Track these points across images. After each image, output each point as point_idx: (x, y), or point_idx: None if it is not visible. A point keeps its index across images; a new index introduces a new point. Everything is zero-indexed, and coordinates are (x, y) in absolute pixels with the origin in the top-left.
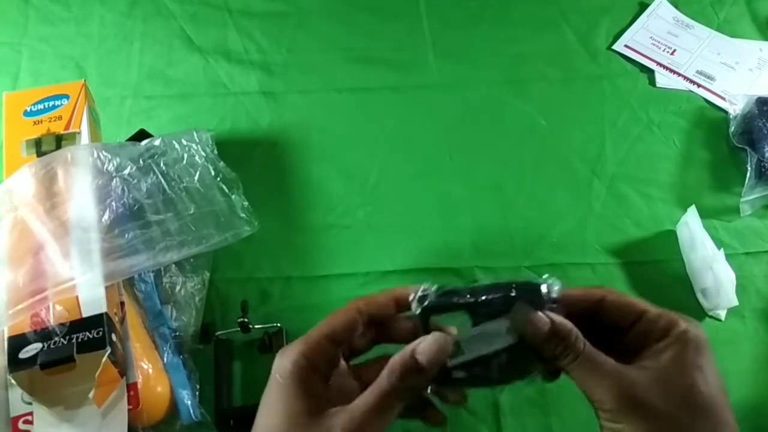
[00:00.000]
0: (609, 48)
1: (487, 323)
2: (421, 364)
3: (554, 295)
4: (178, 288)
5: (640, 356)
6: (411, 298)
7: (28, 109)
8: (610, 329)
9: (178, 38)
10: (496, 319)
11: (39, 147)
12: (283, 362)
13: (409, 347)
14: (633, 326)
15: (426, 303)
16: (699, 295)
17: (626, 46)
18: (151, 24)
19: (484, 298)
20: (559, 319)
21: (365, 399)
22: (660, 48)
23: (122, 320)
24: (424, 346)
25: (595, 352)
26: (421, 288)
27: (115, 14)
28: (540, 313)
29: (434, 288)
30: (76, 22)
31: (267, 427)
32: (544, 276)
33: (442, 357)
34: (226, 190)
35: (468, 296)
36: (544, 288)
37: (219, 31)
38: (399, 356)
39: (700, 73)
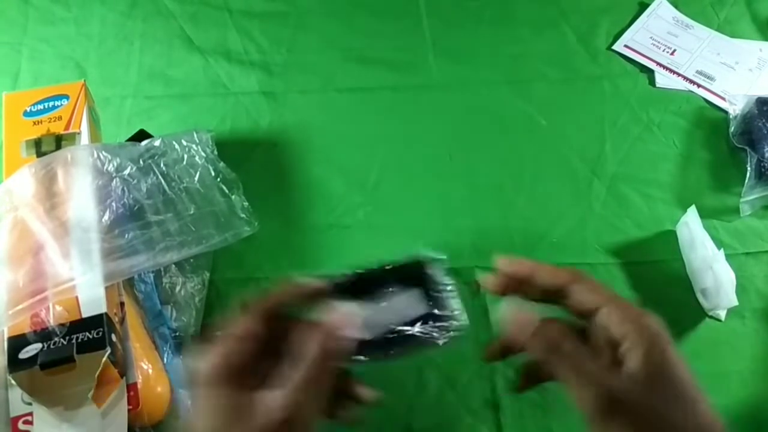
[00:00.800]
0: (609, 48)
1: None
2: (336, 337)
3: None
4: (178, 288)
5: (612, 356)
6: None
7: (28, 110)
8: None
9: (178, 38)
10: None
11: (39, 147)
12: (202, 366)
13: (325, 321)
14: (596, 312)
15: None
16: (699, 295)
17: (626, 46)
18: (151, 24)
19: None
20: (546, 318)
21: (299, 372)
22: (660, 48)
23: (122, 320)
24: (336, 315)
25: (578, 354)
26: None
27: (115, 14)
28: (526, 312)
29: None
30: (76, 22)
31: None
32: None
33: (354, 328)
34: (226, 191)
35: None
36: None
37: (219, 31)
38: (315, 331)
39: (700, 73)
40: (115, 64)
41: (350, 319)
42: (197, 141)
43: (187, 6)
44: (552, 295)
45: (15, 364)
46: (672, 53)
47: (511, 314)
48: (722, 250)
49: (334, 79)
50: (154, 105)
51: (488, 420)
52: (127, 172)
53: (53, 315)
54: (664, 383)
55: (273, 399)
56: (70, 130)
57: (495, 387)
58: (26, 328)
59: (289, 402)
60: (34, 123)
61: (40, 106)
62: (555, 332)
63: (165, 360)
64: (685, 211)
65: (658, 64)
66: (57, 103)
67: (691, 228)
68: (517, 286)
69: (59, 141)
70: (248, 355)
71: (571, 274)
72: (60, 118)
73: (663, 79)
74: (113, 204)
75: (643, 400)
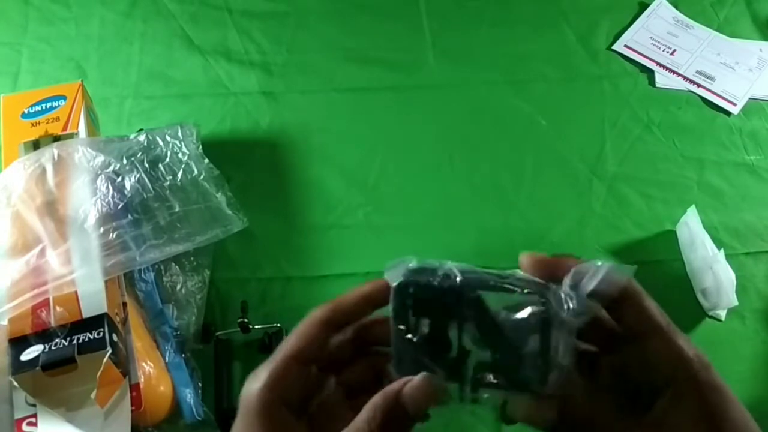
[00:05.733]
0: (609, 48)
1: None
2: (407, 410)
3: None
4: (179, 287)
5: (655, 407)
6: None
7: (26, 111)
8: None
9: (178, 38)
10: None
11: (37, 149)
12: (247, 392)
13: (393, 387)
14: (640, 338)
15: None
16: (699, 296)
17: (626, 46)
18: (151, 24)
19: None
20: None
21: None
22: (660, 48)
23: (124, 321)
24: (412, 390)
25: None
26: (396, 278)
27: (115, 14)
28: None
29: (411, 266)
30: (76, 22)
31: None
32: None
33: (431, 403)
34: (212, 187)
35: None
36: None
37: (219, 31)
38: (381, 397)
39: (699, 73)
40: (115, 64)
41: (430, 393)
42: (181, 137)
43: (187, 6)
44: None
45: (17, 365)
46: (672, 53)
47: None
48: (722, 250)
49: (334, 79)
50: (154, 105)
51: (488, 420)
52: (111, 168)
53: (54, 316)
54: None
55: None
56: (68, 131)
57: None
58: (27, 330)
59: None
60: (32, 124)
61: (38, 108)
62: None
63: (167, 359)
64: (685, 211)
65: (658, 64)
66: (55, 104)
67: (691, 228)
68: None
69: (57, 142)
70: (308, 381)
71: (627, 283)
72: (58, 119)
73: (663, 79)
74: (98, 201)
75: None
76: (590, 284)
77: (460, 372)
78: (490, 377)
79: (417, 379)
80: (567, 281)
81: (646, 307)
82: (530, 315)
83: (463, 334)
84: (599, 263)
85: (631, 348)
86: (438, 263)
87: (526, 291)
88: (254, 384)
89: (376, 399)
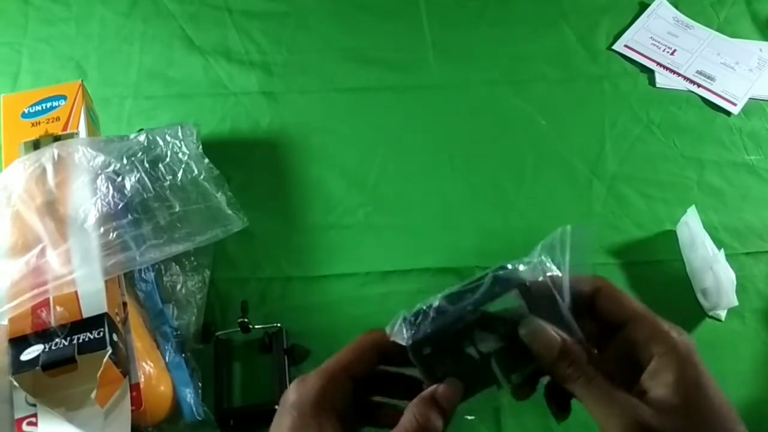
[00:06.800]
0: (609, 48)
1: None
2: (442, 407)
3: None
4: (179, 287)
5: (640, 378)
6: (391, 335)
7: (26, 111)
8: (603, 322)
9: (178, 38)
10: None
11: (37, 149)
12: (299, 395)
13: (427, 391)
14: (623, 326)
15: (414, 338)
16: (699, 296)
17: (626, 46)
18: (151, 24)
19: (464, 304)
20: (569, 339)
21: None
22: (660, 48)
23: (125, 321)
24: (443, 390)
25: (605, 381)
26: (396, 325)
27: (115, 14)
28: (550, 330)
29: (405, 317)
30: (76, 22)
31: None
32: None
33: (458, 399)
34: (212, 186)
35: (449, 308)
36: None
37: (219, 31)
38: (419, 399)
39: (700, 73)
40: (115, 64)
41: (454, 389)
42: (181, 136)
43: (187, 6)
44: (575, 305)
45: (17, 365)
46: (672, 53)
47: (533, 333)
48: (722, 250)
49: (334, 79)
50: (154, 105)
51: (488, 420)
52: (112, 168)
53: (54, 316)
54: (698, 413)
55: None
56: (68, 131)
57: None
58: (27, 330)
59: None
60: (33, 124)
61: (38, 107)
62: (580, 356)
63: (167, 359)
64: (685, 211)
65: (658, 64)
66: (55, 103)
67: (691, 228)
68: None
69: (57, 142)
70: (349, 394)
71: (595, 281)
72: (58, 118)
73: (663, 79)
74: (98, 201)
75: (678, 429)
76: (566, 253)
77: (491, 372)
78: (513, 362)
79: (444, 382)
80: (545, 260)
81: (619, 297)
82: (515, 299)
83: (476, 344)
84: (559, 229)
85: (619, 334)
86: (427, 303)
87: (498, 288)
88: (304, 387)
89: (416, 401)
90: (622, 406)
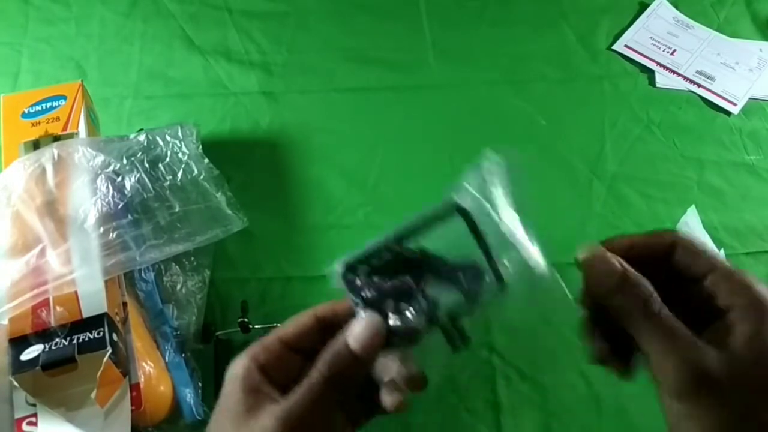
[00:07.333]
0: (609, 48)
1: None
2: (354, 352)
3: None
4: (179, 287)
5: (711, 327)
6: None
7: (26, 111)
8: (678, 280)
9: (178, 38)
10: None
11: (37, 149)
12: (232, 368)
13: (338, 337)
14: (700, 280)
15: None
16: None
17: (626, 46)
18: (151, 24)
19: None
20: (631, 268)
21: (298, 392)
22: (660, 48)
23: (125, 321)
24: (357, 331)
25: (671, 317)
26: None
27: (115, 14)
28: (609, 255)
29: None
30: (76, 22)
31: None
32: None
33: (376, 342)
34: (212, 186)
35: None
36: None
37: (219, 31)
38: (330, 344)
39: (700, 73)
40: (115, 64)
41: (373, 332)
42: (181, 136)
43: (187, 6)
44: (654, 260)
45: (17, 365)
46: (672, 53)
47: (591, 260)
48: (722, 250)
49: (334, 79)
50: (154, 105)
51: (488, 420)
52: (112, 168)
53: (54, 316)
54: (765, 377)
55: (274, 414)
56: (68, 131)
57: (495, 387)
58: (27, 330)
59: (289, 421)
60: (33, 124)
61: (38, 107)
62: (644, 288)
63: (167, 359)
64: (685, 211)
65: (658, 64)
66: (55, 103)
67: (691, 228)
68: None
69: (57, 142)
70: (291, 365)
71: (673, 235)
72: (58, 118)
73: (663, 79)
74: (98, 201)
75: (741, 383)
76: (495, 180)
77: (436, 315)
78: (459, 305)
79: (359, 320)
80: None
81: (699, 251)
82: (459, 237)
83: (423, 286)
84: (479, 165)
85: (694, 287)
86: (364, 247)
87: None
88: (237, 360)
89: (326, 347)
90: (686, 345)
